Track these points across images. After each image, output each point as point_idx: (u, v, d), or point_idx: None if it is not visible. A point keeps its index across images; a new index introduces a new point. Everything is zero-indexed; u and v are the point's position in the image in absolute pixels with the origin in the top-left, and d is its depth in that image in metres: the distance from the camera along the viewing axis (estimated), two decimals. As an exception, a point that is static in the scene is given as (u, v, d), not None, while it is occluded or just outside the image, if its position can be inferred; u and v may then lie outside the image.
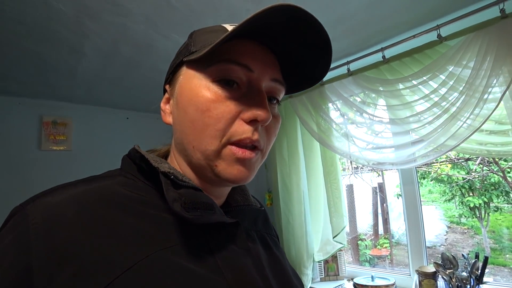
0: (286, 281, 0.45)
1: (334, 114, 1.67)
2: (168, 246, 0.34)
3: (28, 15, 0.98)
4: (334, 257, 1.87)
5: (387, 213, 3.45)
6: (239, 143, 0.38)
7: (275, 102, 0.43)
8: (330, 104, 1.65)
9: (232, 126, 0.37)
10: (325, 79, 1.64)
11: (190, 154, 0.39)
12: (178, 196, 0.35)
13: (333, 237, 1.60)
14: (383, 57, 1.40)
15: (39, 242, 0.29)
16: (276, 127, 0.43)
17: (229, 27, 0.40)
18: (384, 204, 3.56)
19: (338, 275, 1.86)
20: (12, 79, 1.52)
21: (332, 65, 1.60)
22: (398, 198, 3.34)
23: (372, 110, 1.48)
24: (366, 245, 3.01)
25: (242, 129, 0.37)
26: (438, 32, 1.21)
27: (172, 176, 0.36)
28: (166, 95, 0.45)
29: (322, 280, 1.88)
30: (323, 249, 1.80)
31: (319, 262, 1.86)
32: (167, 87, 0.45)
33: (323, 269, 1.89)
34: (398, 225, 3.08)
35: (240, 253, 0.40)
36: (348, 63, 1.54)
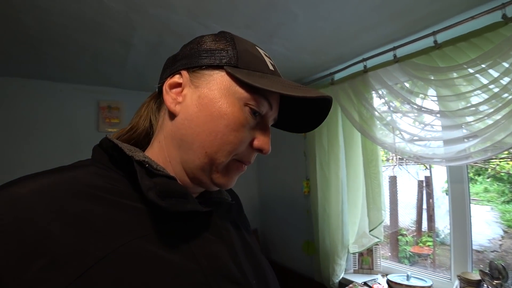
0: (259, 267, 0.47)
1: (377, 103, 1.58)
2: (141, 235, 0.34)
3: (84, 12, 1.07)
4: (370, 251, 1.83)
5: (433, 209, 3.21)
6: (241, 161, 0.44)
7: None
8: (373, 93, 1.56)
9: (245, 150, 0.43)
10: (369, 65, 1.55)
11: (197, 156, 0.41)
12: (153, 185, 0.35)
13: (370, 231, 1.56)
14: (435, 42, 1.27)
15: (6, 235, 0.28)
16: None
17: (267, 60, 0.45)
18: (430, 200, 3.31)
19: (372, 269, 1.82)
20: (72, 69, 1.69)
21: (377, 51, 1.52)
22: (446, 194, 3.07)
23: (420, 100, 1.37)
24: (407, 241, 2.86)
25: (248, 153, 0.44)
26: (504, 12, 1.05)
27: (147, 165, 0.37)
28: (178, 79, 0.43)
29: (355, 272, 1.86)
30: (359, 241, 1.76)
31: (353, 254, 1.84)
32: (185, 73, 0.43)
33: (357, 261, 1.87)
34: (445, 224, 2.86)
35: (214, 241, 0.41)
36: (394, 48, 1.43)
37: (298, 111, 0.50)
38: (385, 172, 1.63)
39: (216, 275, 0.37)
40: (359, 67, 1.61)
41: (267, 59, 0.45)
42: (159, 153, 0.44)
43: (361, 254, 1.85)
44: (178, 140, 0.42)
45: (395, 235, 3.20)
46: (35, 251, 0.28)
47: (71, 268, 0.28)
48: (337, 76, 1.76)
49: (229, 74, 0.41)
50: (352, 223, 1.77)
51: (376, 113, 1.53)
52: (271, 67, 0.44)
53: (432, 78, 1.31)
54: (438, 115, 1.32)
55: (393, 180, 3.11)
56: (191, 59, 0.42)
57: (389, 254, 2.24)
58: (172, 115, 0.43)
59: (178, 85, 0.43)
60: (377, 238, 1.60)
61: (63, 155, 1.92)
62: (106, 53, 1.45)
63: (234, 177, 0.44)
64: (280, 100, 0.47)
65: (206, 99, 0.40)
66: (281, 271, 2.35)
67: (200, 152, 0.40)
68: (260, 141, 0.43)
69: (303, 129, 0.52)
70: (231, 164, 0.43)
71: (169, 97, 0.43)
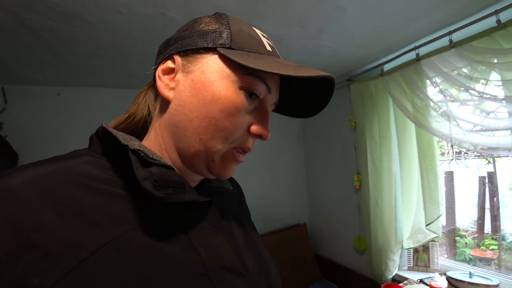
0: (260, 257, 0.46)
1: (431, 91, 1.51)
2: (138, 226, 0.33)
3: (149, 25, 1.21)
4: (426, 248, 1.76)
5: (498, 208, 2.91)
6: (239, 148, 0.41)
7: None
8: (427, 81, 1.50)
9: (242, 136, 0.40)
10: (422, 52, 1.50)
11: (191, 144, 0.39)
12: (149, 174, 0.34)
13: (426, 225, 1.51)
14: (498, 21, 1.19)
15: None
16: None
17: (264, 40, 0.43)
18: (495, 198, 3.01)
19: (429, 267, 1.75)
20: (136, 76, 1.90)
21: (430, 37, 1.46)
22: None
23: (482, 86, 1.30)
24: (466, 243, 2.65)
25: (246, 139, 0.41)
26: None
27: (142, 154, 0.35)
28: (171, 65, 0.41)
29: (409, 269, 1.80)
30: (414, 237, 1.70)
31: (408, 249, 1.78)
32: (177, 57, 0.40)
33: (412, 258, 1.81)
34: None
35: (214, 231, 0.40)
36: (450, 33, 1.36)
37: (300, 94, 0.47)
38: (440, 167, 1.55)
39: (215, 265, 0.37)
40: (411, 55, 1.57)
41: (264, 40, 0.43)
42: (155, 141, 0.43)
43: (416, 250, 1.79)
44: (172, 127, 0.40)
45: (452, 236, 2.98)
46: (27, 243, 0.27)
47: (65, 260, 0.28)
48: (387, 67, 1.73)
49: (222, 56, 0.38)
50: (406, 217, 1.72)
51: (431, 102, 1.47)
52: (268, 48, 0.42)
53: (496, 61, 1.23)
54: (504, 101, 1.23)
55: (449, 176, 2.90)
56: (184, 42, 0.40)
57: (446, 255, 2.10)
58: (166, 102, 0.41)
59: (171, 70, 0.41)
60: (434, 233, 1.53)
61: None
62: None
63: (233, 166, 0.42)
64: (280, 83, 0.44)
65: (199, 83, 0.39)
66: (330, 267, 2.35)
67: (194, 139, 0.39)
68: (258, 126, 0.41)
69: (306, 114, 0.49)
70: (229, 153, 0.41)
71: (162, 83, 0.41)
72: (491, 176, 2.99)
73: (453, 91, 1.45)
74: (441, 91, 1.46)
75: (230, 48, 0.39)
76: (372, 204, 1.83)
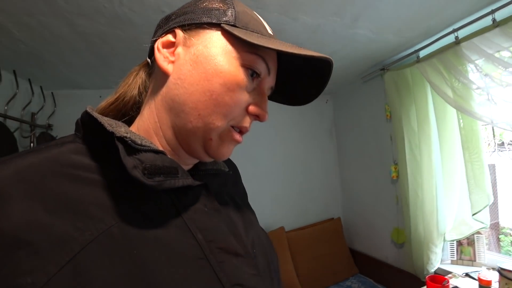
0: (257, 237, 0.46)
1: (473, 75, 1.45)
2: (130, 213, 0.32)
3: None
4: (471, 241, 1.68)
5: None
6: (237, 127, 0.41)
7: None
8: (468, 65, 1.44)
9: (240, 114, 0.40)
10: (461, 35, 1.44)
11: (189, 119, 0.38)
12: (138, 162, 0.32)
13: (473, 215, 1.44)
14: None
15: None
16: None
17: (266, 26, 0.43)
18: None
19: (475, 261, 1.66)
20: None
21: (470, 19, 1.40)
22: None
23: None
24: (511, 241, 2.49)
25: (245, 119, 0.41)
26: None
27: (129, 141, 0.33)
28: (171, 38, 0.40)
29: (453, 262, 1.73)
30: (457, 228, 1.64)
31: (451, 242, 1.71)
32: (178, 30, 0.40)
33: (455, 251, 1.73)
34: None
35: (210, 214, 0.39)
36: (493, 12, 1.30)
37: (295, 80, 0.47)
38: (485, 153, 1.48)
39: (213, 248, 0.36)
40: (449, 39, 1.51)
41: (265, 24, 0.43)
42: (149, 119, 0.41)
43: (460, 243, 1.71)
44: (169, 101, 0.39)
45: (495, 231, 2.80)
46: (16, 241, 0.26)
47: (57, 256, 0.27)
48: (423, 53, 1.67)
49: (226, 32, 0.38)
50: (449, 208, 1.65)
51: (473, 86, 1.41)
52: (270, 31, 0.42)
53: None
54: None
55: (492, 169, 2.72)
56: (186, 16, 0.40)
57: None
58: (164, 76, 0.40)
59: (171, 44, 0.40)
60: (482, 223, 1.46)
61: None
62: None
63: (230, 147, 0.41)
64: (277, 67, 0.44)
65: (201, 57, 0.38)
66: (367, 262, 2.31)
67: (193, 114, 0.38)
68: (257, 106, 0.41)
69: (300, 101, 0.49)
70: (227, 132, 0.40)
71: (161, 55, 0.39)
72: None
73: (497, 74, 1.38)
74: (486, 74, 1.39)
75: (234, 25, 0.38)
76: (411, 195, 1.78)
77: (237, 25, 0.38)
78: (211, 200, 0.41)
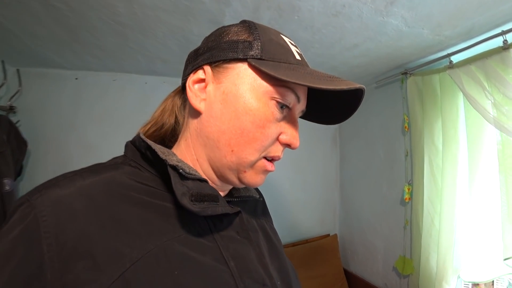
0: (283, 268, 0.47)
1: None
2: (174, 236, 0.35)
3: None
4: (489, 282, 1.44)
5: None
6: (269, 157, 0.42)
7: None
8: (518, 76, 1.18)
9: (272, 145, 0.41)
10: (511, 40, 1.18)
11: (223, 155, 0.40)
12: (186, 190, 0.35)
13: (505, 259, 1.19)
14: None
15: (50, 235, 0.29)
16: None
17: (293, 49, 0.42)
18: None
19: (494, 304, 1.43)
20: (159, 59, 1.69)
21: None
22: None
23: None
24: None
25: (276, 148, 0.42)
26: None
27: (181, 170, 0.37)
28: (201, 75, 0.41)
29: (469, 304, 1.49)
30: (479, 269, 1.39)
31: (467, 282, 1.47)
32: (207, 67, 0.41)
33: (472, 291, 1.49)
34: None
35: (242, 242, 0.41)
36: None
37: (328, 102, 0.48)
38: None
39: (243, 276, 0.37)
40: (492, 44, 1.24)
41: (293, 48, 0.43)
42: (186, 151, 0.43)
43: (476, 284, 1.47)
44: (204, 138, 0.41)
45: None
46: (77, 251, 0.29)
47: (110, 270, 0.29)
48: (456, 58, 1.40)
49: (253, 67, 0.39)
50: (472, 244, 1.41)
51: (522, 102, 1.15)
52: (297, 57, 0.42)
53: None
54: None
55: None
56: (213, 52, 0.41)
57: None
58: (197, 113, 0.42)
59: (202, 81, 0.42)
60: (514, 268, 1.22)
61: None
62: (193, 37, 1.37)
63: (263, 176, 0.43)
64: (308, 91, 0.45)
65: (231, 95, 0.39)
66: (362, 286, 2.06)
67: (226, 150, 0.40)
68: (288, 135, 0.42)
69: (333, 121, 0.49)
70: (259, 163, 0.41)
71: (192, 94, 0.41)
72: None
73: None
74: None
75: (260, 59, 0.39)
76: (426, 222, 1.53)
77: (263, 57, 0.39)
78: (243, 228, 0.43)
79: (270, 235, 0.51)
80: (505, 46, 1.19)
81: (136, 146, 0.42)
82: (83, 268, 0.29)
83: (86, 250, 0.29)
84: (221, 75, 0.40)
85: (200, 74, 0.41)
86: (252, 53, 0.39)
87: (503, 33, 1.19)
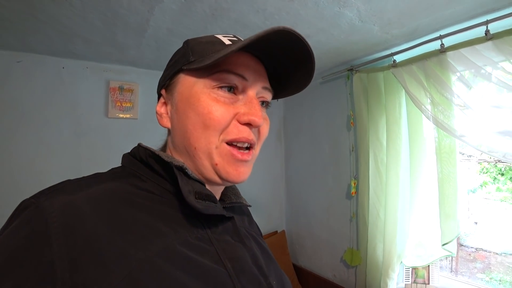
0: (278, 271, 0.49)
1: (457, 89, 1.29)
2: (175, 239, 0.36)
3: None
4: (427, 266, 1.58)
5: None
6: (236, 142, 0.42)
7: (264, 105, 0.47)
8: (453, 76, 1.28)
9: (228, 127, 0.41)
10: (447, 44, 1.27)
11: (193, 155, 0.42)
12: (191, 188, 0.39)
13: (443, 245, 1.30)
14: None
15: (59, 236, 0.30)
16: (267, 128, 0.47)
17: (224, 39, 0.44)
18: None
19: (428, 283, 1.58)
20: (79, 37, 1.37)
21: (462, 26, 1.23)
22: (468, 194, 2.86)
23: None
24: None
25: (237, 130, 0.42)
26: None
27: (186, 170, 0.40)
28: (162, 100, 0.47)
29: (407, 286, 1.62)
30: (419, 254, 1.51)
31: (408, 267, 1.59)
32: (163, 92, 0.47)
33: (410, 274, 1.62)
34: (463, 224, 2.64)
35: (236, 245, 0.43)
36: (487, 22, 1.14)
37: (287, 70, 0.48)
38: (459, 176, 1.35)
39: (240, 276, 0.38)
40: (431, 46, 1.33)
41: (224, 39, 0.44)
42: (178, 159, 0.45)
43: (415, 267, 1.60)
44: (177, 148, 0.45)
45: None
46: (86, 251, 0.30)
47: (118, 269, 0.30)
48: (399, 58, 1.47)
49: (187, 70, 0.43)
50: (413, 231, 1.51)
51: (457, 100, 1.25)
52: (228, 42, 0.43)
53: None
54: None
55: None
56: (162, 77, 0.47)
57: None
58: (169, 130, 0.47)
59: (165, 103, 0.47)
60: (450, 252, 1.34)
61: (66, 145, 1.61)
62: (123, 12, 1.12)
63: (237, 165, 0.42)
64: (263, 67, 0.46)
65: (180, 103, 0.43)
66: (313, 280, 2.10)
67: (192, 151, 0.42)
68: (245, 113, 0.42)
69: (303, 84, 0.49)
70: (224, 149, 0.42)
71: (159, 116, 0.47)
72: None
73: (485, 89, 1.24)
74: (470, 88, 1.24)
75: (191, 62, 0.42)
76: (371, 214, 1.59)
77: (193, 59, 0.42)
78: (237, 233, 0.44)
79: (260, 242, 0.53)
80: (442, 50, 1.28)
81: (135, 156, 0.44)
82: (92, 268, 0.29)
83: (95, 250, 0.30)
84: (171, 91, 0.45)
85: (161, 99, 0.47)
86: (184, 61, 0.43)
87: (441, 37, 1.28)
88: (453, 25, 1.25)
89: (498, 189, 2.96)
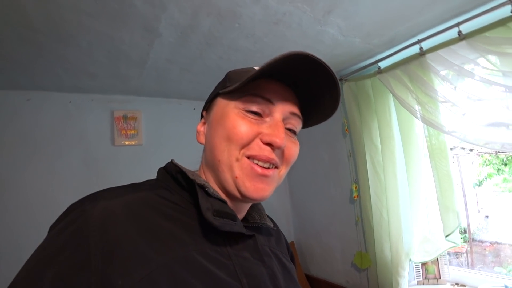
0: None
1: (441, 87, 1.38)
2: (195, 249, 0.39)
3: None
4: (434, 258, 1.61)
5: (465, 204, 3.01)
6: (256, 158, 0.44)
7: (292, 133, 0.49)
8: (433, 76, 1.37)
9: (250, 143, 0.44)
10: (426, 47, 1.37)
11: (217, 169, 0.45)
12: (210, 206, 0.41)
13: (446, 236, 1.34)
14: (513, 10, 1.09)
15: (96, 234, 0.35)
16: (294, 151, 0.49)
17: (256, 67, 0.46)
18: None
19: (440, 278, 1.60)
20: (84, 73, 1.48)
21: (437, 29, 1.33)
22: (474, 187, 2.88)
23: (502, 77, 1.18)
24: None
25: (259, 147, 0.44)
26: None
27: (206, 188, 0.43)
28: (203, 120, 0.53)
29: (419, 283, 1.64)
30: (425, 249, 1.54)
31: (417, 263, 1.61)
32: (204, 113, 0.54)
33: (420, 270, 1.64)
34: (476, 220, 2.65)
35: (255, 263, 0.44)
36: (459, 24, 1.24)
37: (315, 96, 0.50)
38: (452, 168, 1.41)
39: None
40: (411, 51, 1.43)
41: (257, 67, 0.46)
42: (205, 177, 0.50)
43: (424, 263, 1.63)
44: (206, 163, 0.50)
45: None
46: (116, 248, 0.35)
47: (141, 268, 0.34)
48: (383, 64, 1.57)
49: (222, 95, 0.48)
50: (416, 228, 1.55)
51: (440, 98, 1.33)
52: (257, 68, 0.45)
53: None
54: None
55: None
56: (206, 101, 0.54)
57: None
58: (204, 146, 0.52)
59: (204, 123, 0.53)
60: (454, 243, 1.37)
61: (76, 174, 1.68)
62: (124, 47, 1.23)
63: (257, 182, 0.44)
64: (292, 94, 0.49)
65: (213, 121, 0.48)
66: (325, 287, 2.10)
67: (217, 164, 0.45)
68: (267, 133, 0.44)
69: (328, 111, 0.51)
70: (245, 163, 0.44)
71: (197, 134, 0.53)
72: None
73: (464, 85, 1.33)
74: (451, 86, 1.33)
75: (226, 87, 0.47)
76: (375, 216, 1.63)
77: (228, 85, 0.47)
78: (257, 251, 0.46)
79: (284, 262, 0.53)
80: (422, 53, 1.38)
81: (168, 171, 0.48)
82: (119, 263, 0.34)
83: (124, 249, 0.35)
84: (209, 113, 0.51)
85: (202, 120, 0.54)
86: (221, 87, 0.49)
87: (419, 41, 1.38)
88: (429, 29, 1.36)
89: (505, 180, 2.99)
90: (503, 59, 1.16)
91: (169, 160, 0.50)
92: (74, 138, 1.71)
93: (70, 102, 1.72)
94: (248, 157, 0.44)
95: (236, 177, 0.44)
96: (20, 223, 1.50)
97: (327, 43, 1.38)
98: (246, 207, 0.52)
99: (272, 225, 0.56)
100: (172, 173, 0.47)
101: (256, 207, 0.57)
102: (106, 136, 1.80)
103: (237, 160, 0.44)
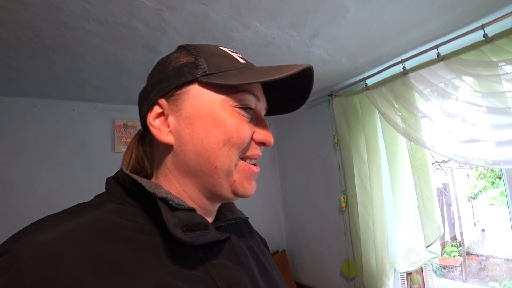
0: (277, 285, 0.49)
1: (422, 105, 1.46)
2: (167, 272, 0.34)
3: (110, 13, 0.96)
4: (419, 269, 1.65)
5: (459, 217, 3.04)
6: (250, 158, 0.43)
7: None
8: (416, 94, 1.46)
9: (248, 145, 0.42)
10: (409, 66, 1.46)
11: (209, 175, 0.40)
12: (177, 221, 0.35)
13: (427, 247, 1.40)
14: (485, 35, 1.19)
15: (36, 285, 0.27)
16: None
17: (234, 55, 0.44)
18: (451, 207, 3.16)
19: (424, 289, 1.64)
20: (90, 85, 1.58)
21: (418, 51, 1.43)
22: (469, 200, 2.91)
23: (475, 97, 1.26)
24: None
25: (253, 147, 0.43)
26: None
27: (170, 201, 0.36)
28: (158, 110, 0.41)
29: (404, 293, 1.68)
30: (408, 260, 1.59)
31: (402, 273, 1.66)
32: (162, 100, 0.41)
33: (405, 281, 1.69)
34: (472, 233, 2.68)
35: (234, 268, 0.41)
36: (437, 46, 1.34)
37: (285, 90, 0.49)
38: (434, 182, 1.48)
39: None
40: (396, 69, 1.52)
41: (235, 54, 0.44)
42: (168, 186, 0.42)
43: (409, 273, 1.67)
44: (184, 167, 0.41)
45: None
46: None
47: None
48: (370, 81, 1.67)
49: (205, 83, 0.40)
50: (400, 238, 1.61)
51: (421, 115, 1.42)
52: (242, 61, 0.43)
53: (485, 73, 1.21)
54: (490, 113, 1.20)
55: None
56: (162, 84, 0.41)
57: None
58: (168, 146, 0.41)
59: (160, 114, 0.41)
60: (435, 253, 1.43)
61: (77, 180, 1.77)
62: (128, 63, 1.34)
63: (252, 182, 0.43)
64: (264, 87, 0.46)
65: (194, 117, 0.39)
66: (315, 297, 2.14)
67: (212, 170, 0.40)
68: (261, 134, 0.43)
69: (293, 107, 0.51)
70: (243, 166, 0.42)
71: (157, 130, 0.41)
72: (445, 188, 3.14)
73: (443, 103, 1.41)
74: (432, 104, 1.41)
75: (209, 74, 0.39)
76: (362, 226, 1.69)
77: (211, 72, 0.40)
78: (234, 253, 0.43)
79: (259, 256, 0.50)
80: (405, 72, 1.47)
81: (119, 182, 0.40)
82: None
83: None
84: (177, 102, 0.40)
85: (157, 109, 0.41)
86: (199, 71, 0.39)
87: (402, 61, 1.47)
88: (411, 50, 1.45)
89: (503, 193, 3.01)
90: (478, 81, 1.25)
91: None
92: (76, 143, 1.80)
93: (74, 109, 1.82)
94: (241, 158, 0.42)
95: (234, 181, 0.41)
96: (23, 225, 1.57)
97: (315, 62, 1.48)
98: (218, 205, 0.48)
99: (244, 216, 0.54)
100: (125, 184, 0.39)
101: (225, 204, 0.53)
102: (107, 143, 1.89)
103: (235, 164, 0.41)
